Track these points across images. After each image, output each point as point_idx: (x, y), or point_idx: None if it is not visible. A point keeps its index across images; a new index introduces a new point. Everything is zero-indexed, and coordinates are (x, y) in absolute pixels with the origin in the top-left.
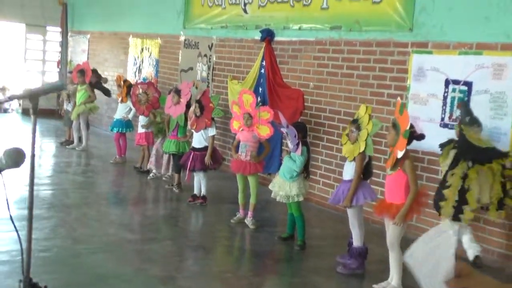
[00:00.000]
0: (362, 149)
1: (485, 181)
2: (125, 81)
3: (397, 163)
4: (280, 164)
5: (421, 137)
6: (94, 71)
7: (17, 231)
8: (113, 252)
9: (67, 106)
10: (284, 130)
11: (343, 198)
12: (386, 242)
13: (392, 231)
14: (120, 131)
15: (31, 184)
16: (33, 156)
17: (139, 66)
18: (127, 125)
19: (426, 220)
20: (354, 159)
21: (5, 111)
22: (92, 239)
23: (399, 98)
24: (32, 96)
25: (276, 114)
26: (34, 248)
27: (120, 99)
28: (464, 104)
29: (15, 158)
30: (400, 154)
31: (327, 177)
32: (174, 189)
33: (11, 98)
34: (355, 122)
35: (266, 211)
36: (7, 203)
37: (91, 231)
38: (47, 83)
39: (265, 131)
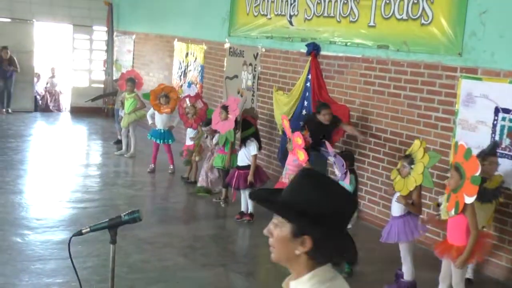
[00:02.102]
0: (419, 182)
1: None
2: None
3: (464, 208)
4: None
5: (484, 181)
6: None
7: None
8: (168, 283)
9: (121, 113)
10: (331, 159)
11: (397, 235)
12: (451, 283)
13: (455, 273)
14: (159, 141)
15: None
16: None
17: (184, 70)
18: (167, 136)
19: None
20: (409, 194)
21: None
22: (147, 266)
23: (462, 142)
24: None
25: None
26: (91, 277)
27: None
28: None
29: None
30: (469, 200)
31: (372, 194)
32: (221, 203)
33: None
34: (408, 157)
35: None
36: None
37: (144, 257)
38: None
39: (301, 156)
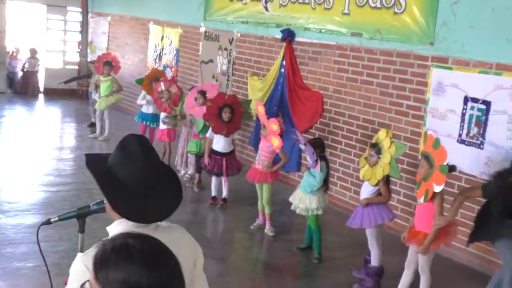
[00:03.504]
0: (386, 172)
1: None
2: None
3: (433, 196)
4: (298, 162)
5: (453, 169)
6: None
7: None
8: None
9: (94, 96)
10: (302, 147)
11: (360, 221)
12: (418, 267)
13: (420, 258)
14: (146, 123)
15: None
16: None
17: (160, 54)
18: (154, 118)
19: None
20: (378, 183)
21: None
22: None
23: (431, 132)
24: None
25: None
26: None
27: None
28: None
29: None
30: (438, 188)
31: (344, 180)
32: (194, 188)
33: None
34: (375, 146)
35: (284, 215)
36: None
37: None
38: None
39: (275, 142)
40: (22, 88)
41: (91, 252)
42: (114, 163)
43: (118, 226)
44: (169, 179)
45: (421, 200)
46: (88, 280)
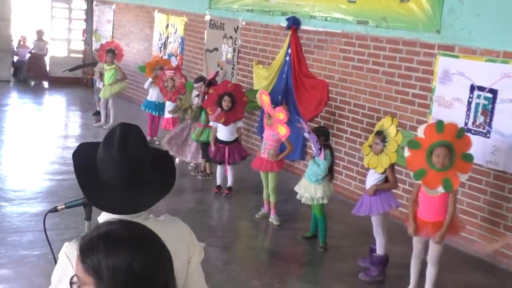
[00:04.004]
0: (393, 160)
1: None
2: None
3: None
4: (303, 151)
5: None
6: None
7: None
8: None
9: (99, 84)
10: (306, 135)
11: (368, 208)
12: (428, 258)
13: (437, 248)
14: (152, 112)
15: None
16: None
17: (165, 42)
18: (161, 108)
19: None
20: (385, 171)
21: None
22: None
23: (455, 122)
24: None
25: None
26: None
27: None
28: None
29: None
30: (464, 177)
31: (349, 169)
32: (198, 176)
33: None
34: (380, 134)
35: (289, 203)
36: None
37: None
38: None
39: (282, 131)
40: (29, 71)
41: (74, 242)
42: (98, 155)
43: (105, 217)
44: (157, 166)
45: (440, 189)
46: (75, 275)
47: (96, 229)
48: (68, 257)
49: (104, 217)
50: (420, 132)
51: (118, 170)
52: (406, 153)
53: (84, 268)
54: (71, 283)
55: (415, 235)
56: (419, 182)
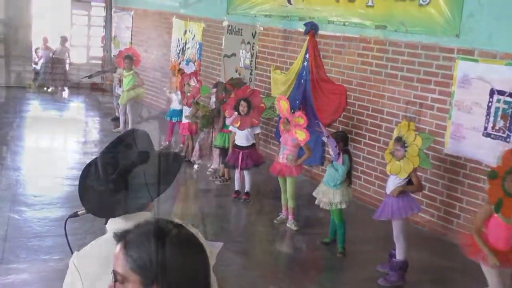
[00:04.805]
0: (416, 164)
1: None
2: (179, 70)
3: None
4: (322, 156)
5: None
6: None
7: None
8: None
9: (118, 90)
10: (324, 139)
11: (390, 213)
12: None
13: None
14: (177, 120)
15: None
16: None
17: (183, 48)
18: (174, 113)
19: None
20: (408, 175)
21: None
22: None
23: (506, 148)
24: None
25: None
26: None
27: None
28: None
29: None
30: None
31: (368, 174)
32: (217, 181)
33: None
34: (399, 140)
35: (307, 209)
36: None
37: None
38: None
39: (301, 136)
40: (50, 76)
41: (83, 251)
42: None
43: (114, 224)
44: (153, 166)
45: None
46: (114, 271)
47: (140, 227)
48: (76, 266)
49: (112, 224)
50: (498, 158)
51: (107, 171)
52: (486, 185)
53: (129, 266)
54: (115, 277)
55: (499, 267)
56: (493, 211)
